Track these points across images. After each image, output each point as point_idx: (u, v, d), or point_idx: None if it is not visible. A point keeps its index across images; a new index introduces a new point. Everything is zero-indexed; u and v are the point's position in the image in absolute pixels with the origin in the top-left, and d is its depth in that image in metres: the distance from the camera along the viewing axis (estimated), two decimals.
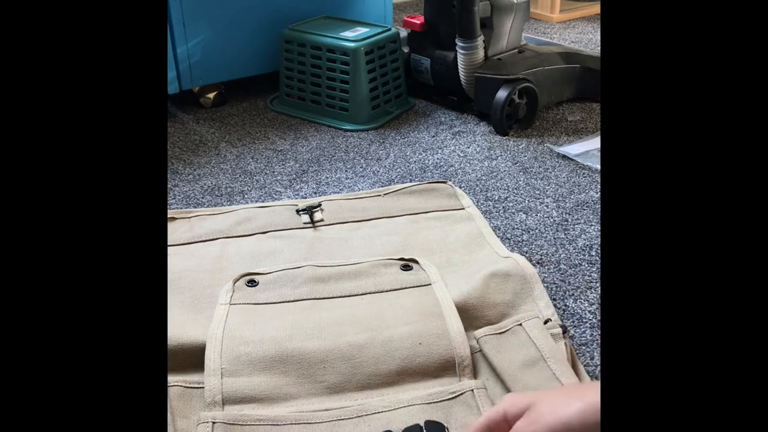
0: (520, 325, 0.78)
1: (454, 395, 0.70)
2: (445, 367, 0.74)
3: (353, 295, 0.85)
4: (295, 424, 0.68)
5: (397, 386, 0.73)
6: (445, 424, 0.67)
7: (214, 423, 0.68)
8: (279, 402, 0.71)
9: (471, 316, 0.81)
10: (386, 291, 0.86)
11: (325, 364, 0.74)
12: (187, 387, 0.73)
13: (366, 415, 0.69)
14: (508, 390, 0.71)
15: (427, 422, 0.67)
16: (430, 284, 0.86)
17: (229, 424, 0.68)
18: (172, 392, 0.72)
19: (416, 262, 0.91)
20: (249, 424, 0.68)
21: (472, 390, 0.71)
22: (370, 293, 0.85)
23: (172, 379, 0.73)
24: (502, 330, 0.78)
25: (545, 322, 0.79)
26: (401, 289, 0.86)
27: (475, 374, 0.75)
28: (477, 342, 0.78)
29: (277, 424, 0.68)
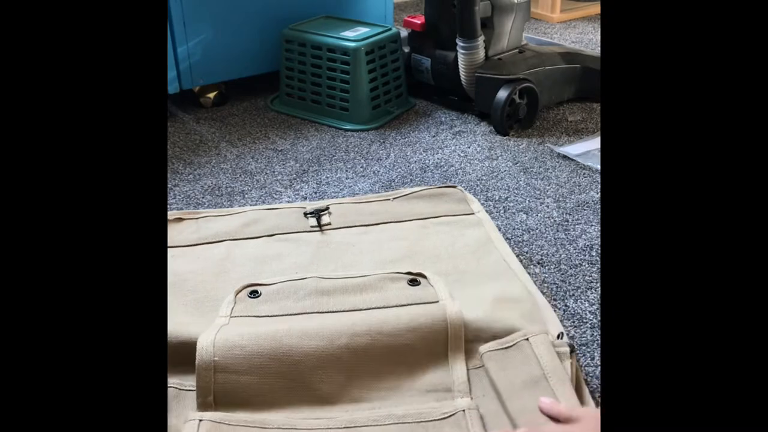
0: (527, 339, 0.75)
1: (445, 415, 0.70)
2: (441, 385, 0.74)
3: (358, 310, 0.83)
4: (281, 428, 0.68)
5: (390, 401, 0.72)
6: None
7: (200, 421, 0.68)
8: (269, 405, 0.71)
9: (478, 331, 0.79)
10: (392, 306, 0.83)
11: (321, 371, 0.73)
12: (181, 389, 0.73)
13: (355, 427, 0.68)
14: (504, 408, 0.70)
15: None
16: (437, 302, 0.83)
17: (215, 422, 0.68)
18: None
19: (424, 276, 0.89)
20: (235, 425, 0.68)
21: (464, 411, 0.70)
22: (375, 308, 0.83)
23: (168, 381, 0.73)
24: (508, 345, 0.76)
25: (558, 336, 0.77)
26: (408, 305, 0.82)
27: (471, 391, 0.73)
28: (481, 358, 0.76)
29: (264, 428, 0.68)
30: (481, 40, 1.43)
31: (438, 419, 0.69)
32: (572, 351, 0.76)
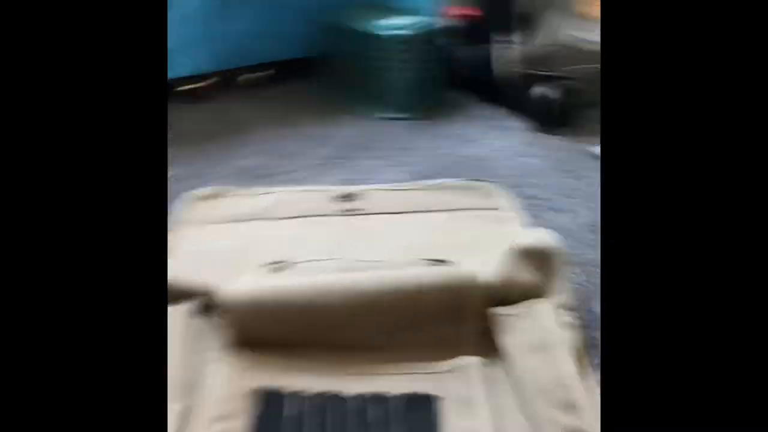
0: (535, 308, 0.80)
1: (451, 369, 0.74)
2: (452, 341, 0.78)
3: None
4: (303, 371, 0.73)
5: (406, 353, 0.76)
6: (440, 395, 0.71)
7: (223, 361, 0.73)
8: (292, 351, 0.75)
9: (495, 294, 0.82)
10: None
11: (343, 326, 0.77)
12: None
13: (369, 375, 0.74)
14: (509, 368, 0.74)
15: (415, 393, 0.71)
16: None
17: (239, 364, 0.73)
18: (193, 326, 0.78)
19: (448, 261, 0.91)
20: (259, 365, 0.73)
21: (468, 366, 0.75)
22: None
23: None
24: (517, 313, 0.80)
25: (563, 308, 0.81)
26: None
27: (479, 351, 0.77)
28: (490, 320, 0.80)
29: (286, 370, 0.73)
30: (522, 35, 1.42)
31: (444, 372, 0.74)
32: (577, 323, 0.80)
